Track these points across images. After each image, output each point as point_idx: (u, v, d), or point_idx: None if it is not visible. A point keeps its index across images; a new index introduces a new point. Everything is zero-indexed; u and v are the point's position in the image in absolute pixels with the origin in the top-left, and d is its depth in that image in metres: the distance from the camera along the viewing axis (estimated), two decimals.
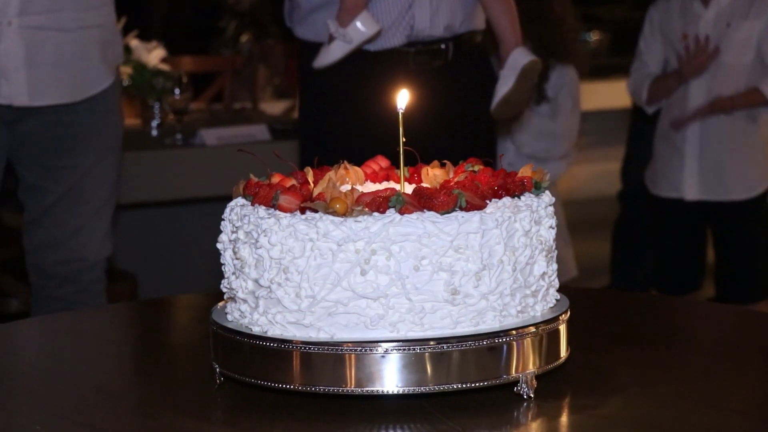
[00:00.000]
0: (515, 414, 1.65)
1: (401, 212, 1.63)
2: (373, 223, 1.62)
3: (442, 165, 1.83)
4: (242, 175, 1.81)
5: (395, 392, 1.63)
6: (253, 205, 1.71)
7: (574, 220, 6.94)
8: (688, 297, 4.42)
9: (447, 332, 1.64)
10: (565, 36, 4.23)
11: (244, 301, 1.71)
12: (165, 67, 4.67)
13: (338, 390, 1.64)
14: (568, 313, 1.76)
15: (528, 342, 1.68)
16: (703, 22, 4.26)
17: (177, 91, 4.35)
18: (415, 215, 1.63)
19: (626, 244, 5.21)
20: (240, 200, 1.75)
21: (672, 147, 4.33)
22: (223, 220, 1.75)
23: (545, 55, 4.03)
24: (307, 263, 1.63)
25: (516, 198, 1.72)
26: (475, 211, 1.65)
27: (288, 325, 1.66)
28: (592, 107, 7.65)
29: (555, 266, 1.77)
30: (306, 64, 3.38)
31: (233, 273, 1.73)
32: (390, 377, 1.63)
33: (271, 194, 1.68)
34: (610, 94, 7.13)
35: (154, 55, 4.65)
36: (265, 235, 1.65)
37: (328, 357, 1.63)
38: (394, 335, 1.63)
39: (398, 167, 1.78)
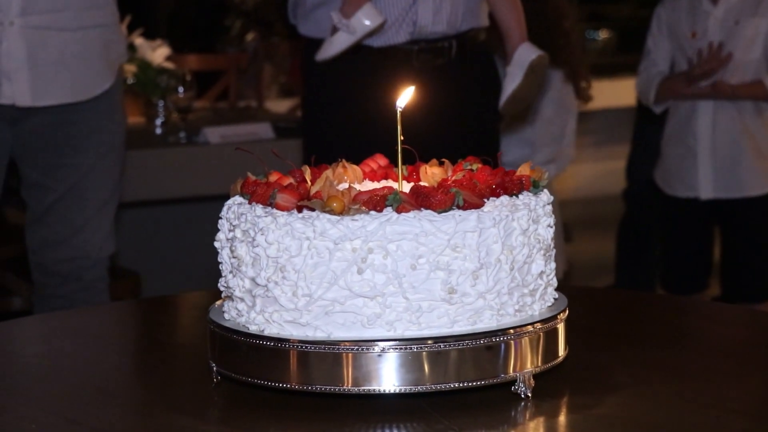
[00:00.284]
0: (513, 413, 1.64)
1: (398, 211, 1.62)
2: (369, 222, 1.61)
3: (441, 163, 1.83)
4: (246, 174, 1.81)
5: (392, 391, 1.63)
6: (250, 203, 1.70)
7: (579, 219, 6.94)
8: (694, 296, 4.41)
9: (444, 331, 1.63)
10: (556, 41, 4.19)
11: (241, 299, 1.70)
12: (169, 65, 4.67)
13: (335, 389, 1.63)
14: (567, 312, 1.75)
15: (526, 341, 1.67)
16: (712, 19, 4.25)
17: (181, 89, 4.35)
18: (412, 214, 1.62)
19: (631, 242, 5.20)
20: (237, 198, 1.75)
21: (683, 147, 4.31)
22: (221, 218, 1.75)
23: None
24: (303, 262, 1.63)
25: (514, 197, 1.71)
26: (473, 210, 1.64)
27: (285, 324, 1.65)
28: (598, 106, 7.63)
29: (553, 265, 1.76)
30: (309, 61, 3.37)
31: (230, 271, 1.72)
32: (387, 376, 1.62)
33: (269, 192, 1.68)
34: (616, 93, 7.10)
35: (158, 54, 4.65)
36: (262, 234, 1.65)
37: (325, 356, 1.63)
38: (391, 334, 1.62)
39: (398, 165, 1.78)
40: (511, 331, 1.66)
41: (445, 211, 1.63)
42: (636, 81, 4.55)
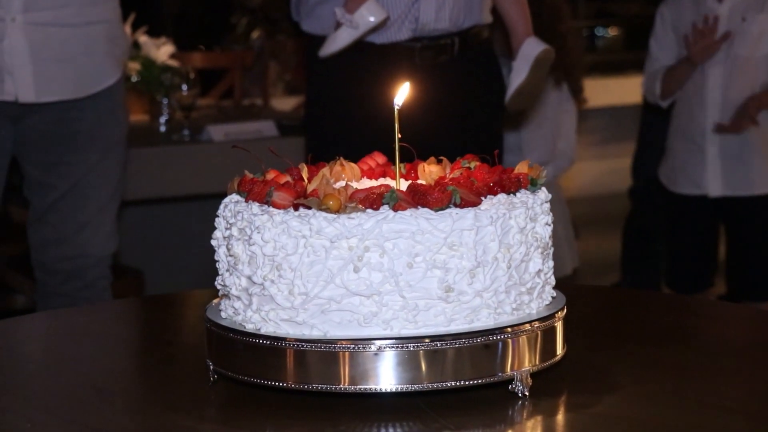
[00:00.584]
0: (510, 412, 1.64)
1: (395, 209, 1.62)
2: (366, 220, 1.61)
3: (439, 161, 1.82)
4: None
5: (389, 390, 1.62)
6: (247, 201, 1.70)
7: (586, 217, 6.92)
8: (699, 295, 4.40)
9: (441, 330, 1.63)
10: (552, 44, 4.17)
11: (238, 298, 1.70)
12: (174, 63, 4.67)
13: (332, 388, 1.62)
14: (565, 310, 1.75)
15: (523, 340, 1.66)
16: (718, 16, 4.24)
17: (184, 87, 4.35)
18: (408, 212, 1.61)
19: (637, 240, 5.19)
20: (234, 196, 1.74)
21: (691, 143, 4.30)
22: (217, 216, 1.74)
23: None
24: (300, 260, 1.62)
25: (512, 195, 1.70)
26: (470, 208, 1.63)
27: (281, 323, 1.65)
28: (605, 103, 7.63)
29: (551, 263, 1.75)
30: (312, 58, 3.37)
31: (227, 270, 1.72)
32: (384, 375, 1.62)
33: (265, 190, 1.67)
34: (623, 90, 7.10)
35: (162, 51, 4.65)
36: (258, 232, 1.65)
37: (322, 355, 1.62)
38: (388, 333, 1.62)
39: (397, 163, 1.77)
40: (509, 329, 1.65)
41: (442, 209, 1.62)
42: (642, 81, 4.53)
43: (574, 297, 1.82)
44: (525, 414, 1.64)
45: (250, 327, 1.68)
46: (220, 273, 1.75)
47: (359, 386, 1.62)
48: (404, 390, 1.62)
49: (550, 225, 1.74)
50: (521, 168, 1.76)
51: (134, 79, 4.50)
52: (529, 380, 1.66)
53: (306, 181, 1.72)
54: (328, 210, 1.62)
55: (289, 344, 1.63)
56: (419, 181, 1.74)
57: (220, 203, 1.75)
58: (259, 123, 4.37)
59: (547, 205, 1.74)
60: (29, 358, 2.01)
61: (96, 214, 3.22)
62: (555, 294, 1.77)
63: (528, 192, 1.72)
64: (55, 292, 3.24)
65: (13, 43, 3.02)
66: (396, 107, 1.75)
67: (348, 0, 3.19)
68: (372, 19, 3.18)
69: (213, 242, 1.75)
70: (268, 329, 1.66)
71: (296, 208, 1.64)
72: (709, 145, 4.26)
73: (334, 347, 1.62)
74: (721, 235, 4.52)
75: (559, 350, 1.73)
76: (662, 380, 1.74)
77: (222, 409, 1.70)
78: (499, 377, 1.65)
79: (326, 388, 1.63)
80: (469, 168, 1.76)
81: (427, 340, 1.61)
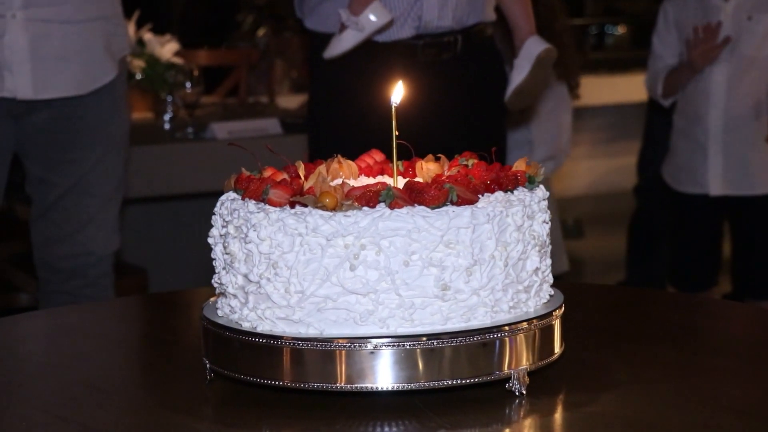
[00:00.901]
0: (507, 411, 1.63)
1: (391, 207, 1.61)
2: (362, 218, 1.60)
3: (437, 159, 1.81)
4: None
5: (386, 389, 1.61)
6: (243, 199, 1.69)
7: (592, 215, 6.92)
8: (702, 293, 4.39)
9: (437, 328, 1.62)
10: (548, 42, 4.18)
11: (234, 296, 1.69)
12: (178, 60, 4.67)
13: (328, 386, 1.62)
14: (563, 308, 1.74)
15: (520, 338, 1.66)
16: (723, 15, 4.23)
17: (188, 84, 4.35)
18: (405, 210, 1.61)
19: (642, 239, 5.18)
20: (231, 194, 1.74)
21: (693, 142, 4.29)
22: (214, 214, 1.74)
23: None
24: (296, 258, 1.62)
25: (509, 192, 1.70)
26: (466, 206, 1.62)
27: (277, 321, 1.64)
28: (611, 101, 7.61)
29: (549, 261, 1.74)
30: (315, 55, 3.36)
31: (223, 268, 1.72)
32: (380, 374, 1.61)
33: (261, 188, 1.67)
34: (629, 88, 7.08)
35: (167, 49, 4.65)
36: (254, 230, 1.64)
37: (318, 353, 1.61)
38: (384, 331, 1.61)
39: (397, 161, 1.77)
40: (506, 328, 1.65)
41: (439, 206, 1.62)
42: (645, 79, 4.52)
43: (574, 295, 1.81)
44: (522, 413, 1.63)
45: (246, 325, 1.67)
46: (216, 271, 1.74)
47: (356, 385, 1.61)
48: (401, 389, 1.61)
49: (547, 223, 1.73)
50: (519, 165, 1.75)
51: (138, 76, 4.50)
52: (527, 379, 1.65)
53: (303, 178, 1.72)
54: (324, 208, 1.61)
55: (286, 343, 1.63)
56: (417, 179, 1.73)
57: None
58: (263, 121, 4.37)
59: (545, 203, 1.73)
60: (27, 357, 2.00)
61: (98, 212, 3.21)
62: (553, 292, 1.77)
63: (526, 189, 1.72)
64: (57, 290, 3.24)
65: (12, 40, 3.02)
66: (393, 105, 1.74)
67: (353, 2, 3.19)
68: (377, 21, 3.18)
69: (210, 240, 1.75)
70: (264, 327, 1.65)
71: (292, 206, 1.63)
72: (711, 144, 4.25)
73: (331, 346, 1.61)
74: (726, 233, 4.52)
75: (557, 349, 1.72)
76: (661, 379, 1.73)
77: (218, 408, 1.69)
78: (496, 376, 1.64)
79: (323, 386, 1.62)
80: (467, 166, 1.75)
81: (423, 339, 1.61)
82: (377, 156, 1.86)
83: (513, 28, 3.32)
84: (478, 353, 1.63)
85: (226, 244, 1.69)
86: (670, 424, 1.57)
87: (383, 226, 1.60)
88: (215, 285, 1.76)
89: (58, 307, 2.98)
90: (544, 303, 1.73)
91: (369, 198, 1.61)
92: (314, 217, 1.61)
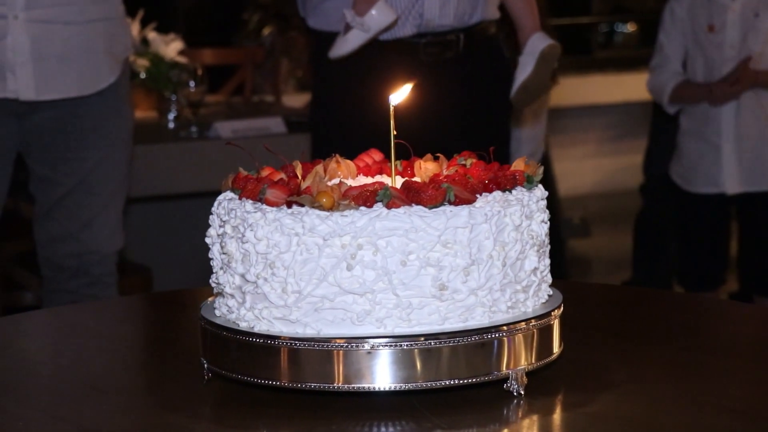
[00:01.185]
0: (505, 411, 1.62)
1: (388, 206, 1.60)
2: (359, 218, 1.59)
3: (436, 158, 1.81)
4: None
5: (383, 389, 1.61)
6: (240, 198, 1.69)
7: (599, 213, 6.90)
8: (710, 293, 4.38)
9: (435, 328, 1.61)
10: None
11: (232, 296, 1.69)
12: (183, 59, 4.67)
13: (325, 387, 1.61)
14: (561, 308, 1.73)
15: (519, 338, 1.65)
16: (731, 12, 4.22)
17: (192, 83, 4.35)
18: (402, 209, 1.60)
19: (648, 237, 5.18)
20: (228, 194, 1.74)
21: (705, 142, 4.27)
22: (212, 214, 1.73)
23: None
24: (293, 258, 1.61)
25: (507, 192, 1.69)
26: (464, 206, 1.62)
27: (275, 321, 1.64)
28: (618, 99, 7.60)
29: (547, 261, 1.74)
30: (317, 54, 3.36)
31: (221, 268, 1.71)
32: (378, 374, 1.60)
33: (259, 188, 1.66)
34: (637, 86, 7.08)
35: (171, 48, 4.65)
36: (251, 230, 1.64)
37: (316, 353, 1.61)
38: (381, 331, 1.60)
39: (397, 160, 1.76)
40: (504, 328, 1.64)
41: (436, 206, 1.61)
42: (648, 77, 4.51)
43: (575, 295, 1.80)
44: (520, 413, 1.62)
45: (243, 325, 1.67)
46: (214, 271, 1.74)
47: (353, 385, 1.61)
48: (398, 389, 1.61)
49: (546, 222, 1.72)
50: (518, 165, 1.74)
51: (142, 75, 4.50)
52: (525, 379, 1.65)
53: (300, 178, 1.71)
54: (321, 207, 1.61)
55: (283, 343, 1.62)
56: (414, 179, 1.73)
57: None
58: (266, 119, 4.37)
59: (543, 203, 1.72)
60: (26, 356, 2.00)
61: (102, 211, 3.22)
62: (552, 292, 1.76)
63: (524, 189, 1.71)
64: (61, 289, 3.25)
65: (15, 41, 3.02)
66: (392, 105, 1.73)
67: (357, 2, 3.18)
68: (382, 20, 3.17)
69: (207, 240, 1.74)
70: (261, 327, 1.65)
71: (289, 206, 1.63)
72: (724, 143, 4.24)
73: (328, 346, 1.60)
74: (733, 232, 4.51)
75: (556, 349, 1.72)
76: (660, 379, 1.72)
77: (216, 408, 1.69)
78: (494, 376, 1.63)
79: (320, 386, 1.61)
80: (465, 165, 1.75)
81: (421, 339, 1.60)
82: (376, 155, 1.86)
83: (517, 24, 3.32)
84: (476, 353, 1.62)
85: (224, 244, 1.69)
86: (669, 425, 1.57)
87: (380, 225, 1.59)
88: (213, 285, 1.75)
89: (59, 306, 2.98)
90: (543, 303, 1.72)
91: (366, 198, 1.61)
92: (311, 216, 1.60)
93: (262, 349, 1.64)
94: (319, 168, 1.74)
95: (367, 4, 3.16)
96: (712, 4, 4.27)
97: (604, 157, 7.81)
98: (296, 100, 5.96)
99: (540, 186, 1.74)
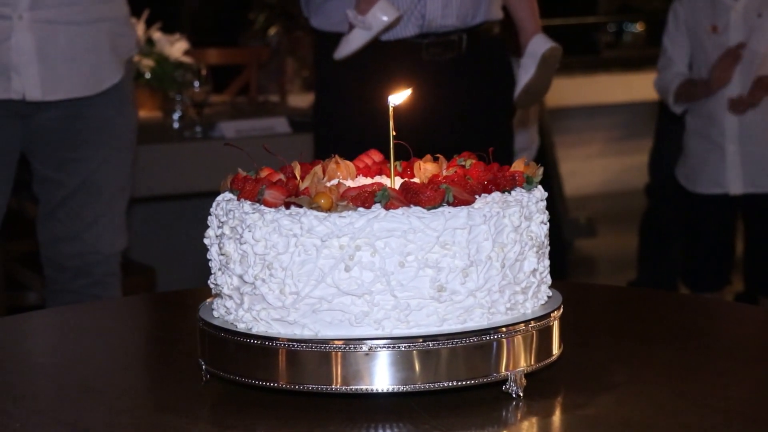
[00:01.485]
0: (504, 413, 1.62)
1: (387, 207, 1.60)
2: (357, 219, 1.59)
3: (435, 159, 1.80)
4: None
5: (382, 391, 1.60)
6: (239, 199, 1.68)
7: (605, 213, 6.89)
8: (715, 293, 4.37)
9: (433, 330, 1.61)
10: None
11: (230, 297, 1.68)
12: (188, 59, 4.67)
13: (323, 388, 1.61)
14: (561, 310, 1.72)
15: (518, 340, 1.64)
16: (734, 13, 4.21)
17: (196, 83, 4.35)
18: (400, 210, 1.60)
19: (653, 238, 5.17)
20: (227, 195, 1.73)
21: (709, 143, 4.26)
22: (210, 214, 1.73)
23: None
24: (291, 259, 1.61)
25: (506, 193, 1.68)
26: (463, 207, 1.61)
27: (272, 322, 1.63)
28: (624, 99, 7.59)
29: (547, 262, 1.73)
30: (320, 54, 3.35)
31: (219, 268, 1.71)
32: (376, 375, 1.60)
33: (257, 189, 1.66)
34: (643, 86, 7.07)
35: (176, 48, 4.65)
36: (249, 231, 1.63)
37: (314, 355, 1.60)
38: (379, 333, 1.60)
39: (397, 161, 1.76)
40: (503, 329, 1.63)
41: (435, 207, 1.60)
42: (655, 78, 4.50)
43: (576, 296, 1.79)
44: (519, 415, 1.62)
45: (241, 326, 1.66)
46: (212, 272, 1.73)
47: (351, 386, 1.60)
48: (397, 391, 1.60)
49: (545, 224, 1.72)
50: (517, 166, 1.74)
51: (147, 75, 4.50)
52: (524, 381, 1.64)
53: (299, 179, 1.71)
54: (319, 208, 1.60)
55: (281, 344, 1.62)
56: (413, 180, 1.72)
57: None
58: (271, 119, 4.36)
59: (543, 204, 1.71)
60: (25, 357, 2.00)
61: (105, 211, 3.21)
62: (551, 293, 1.75)
63: (523, 190, 1.70)
64: (64, 289, 3.24)
65: (19, 41, 3.02)
66: (391, 106, 1.73)
67: (360, 2, 3.18)
68: (385, 19, 3.16)
69: (206, 241, 1.74)
70: (259, 329, 1.65)
71: (287, 207, 1.63)
72: (728, 143, 4.23)
73: (326, 347, 1.60)
74: (738, 232, 4.50)
75: (555, 350, 1.71)
76: (660, 381, 1.71)
77: (214, 409, 1.68)
78: (493, 378, 1.63)
79: (318, 388, 1.61)
80: (464, 166, 1.74)
81: (419, 340, 1.60)
82: (375, 156, 1.85)
83: (519, 26, 3.31)
84: (475, 355, 1.61)
85: (222, 245, 1.69)
86: (668, 426, 1.56)
87: (378, 226, 1.59)
88: (211, 286, 1.75)
89: (61, 306, 2.98)
90: (542, 304, 1.72)
91: (364, 199, 1.60)
92: (309, 218, 1.60)
93: (260, 350, 1.63)
94: (318, 169, 1.73)
95: (369, 2, 3.16)
96: (714, 4, 4.26)
97: (610, 157, 7.80)
98: (302, 100, 5.96)
99: (539, 187, 1.73)
